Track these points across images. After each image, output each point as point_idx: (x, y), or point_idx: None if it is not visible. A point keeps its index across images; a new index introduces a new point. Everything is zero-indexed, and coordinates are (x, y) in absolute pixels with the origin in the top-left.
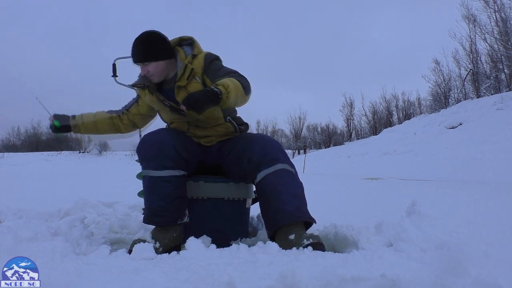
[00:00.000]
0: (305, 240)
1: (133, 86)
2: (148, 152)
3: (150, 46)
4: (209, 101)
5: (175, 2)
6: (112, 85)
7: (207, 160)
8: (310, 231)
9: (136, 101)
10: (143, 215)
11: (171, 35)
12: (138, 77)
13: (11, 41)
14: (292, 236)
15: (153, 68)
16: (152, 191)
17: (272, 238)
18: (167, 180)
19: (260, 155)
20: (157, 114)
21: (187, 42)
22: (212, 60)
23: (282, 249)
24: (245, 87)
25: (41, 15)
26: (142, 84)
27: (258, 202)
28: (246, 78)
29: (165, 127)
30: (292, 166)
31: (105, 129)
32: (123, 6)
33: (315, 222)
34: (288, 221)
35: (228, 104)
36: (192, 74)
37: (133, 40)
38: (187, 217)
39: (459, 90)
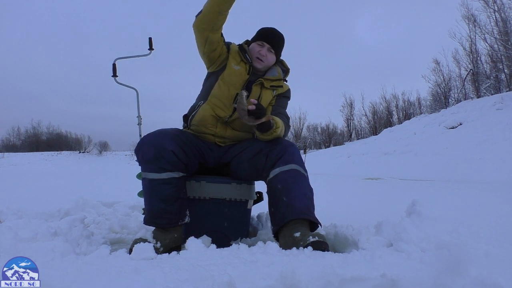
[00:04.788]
0: (310, 237)
1: (244, 53)
2: (147, 154)
3: (282, 42)
4: (266, 123)
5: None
6: (110, 84)
7: (212, 159)
8: None
9: (227, 50)
10: (143, 216)
11: (163, 33)
12: (243, 46)
13: (9, 41)
14: (297, 234)
15: (271, 58)
16: (153, 194)
17: (276, 235)
18: (167, 183)
19: (279, 154)
20: (213, 73)
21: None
22: (288, 97)
23: (285, 246)
24: (283, 136)
25: (40, 15)
26: (247, 60)
27: (258, 204)
28: (289, 128)
29: (165, 127)
30: (306, 171)
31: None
32: (121, 6)
33: (321, 226)
34: (296, 216)
35: (267, 137)
36: (276, 87)
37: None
38: (188, 217)
39: (459, 90)
